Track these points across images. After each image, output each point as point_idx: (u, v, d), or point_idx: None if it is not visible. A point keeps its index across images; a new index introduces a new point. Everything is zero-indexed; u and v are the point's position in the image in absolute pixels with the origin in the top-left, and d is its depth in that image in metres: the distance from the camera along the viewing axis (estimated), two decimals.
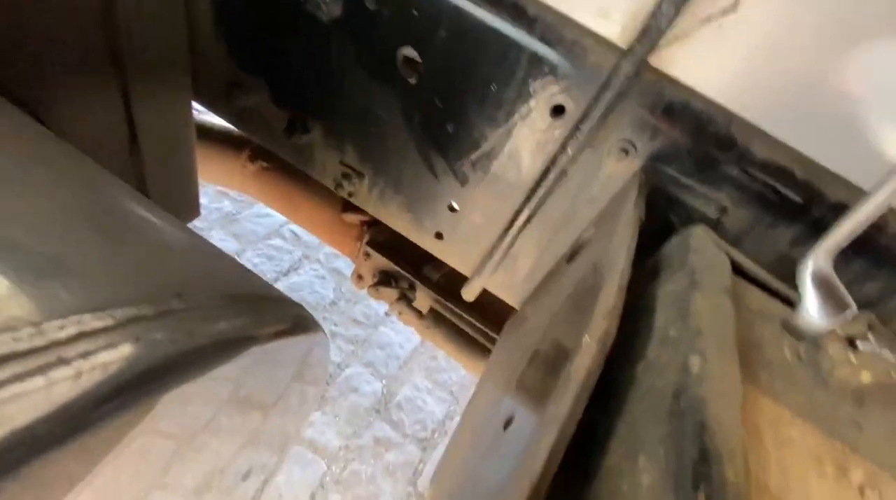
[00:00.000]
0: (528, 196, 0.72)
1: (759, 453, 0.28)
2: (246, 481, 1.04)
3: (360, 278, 1.31)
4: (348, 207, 1.30)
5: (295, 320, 0.78)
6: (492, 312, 1.15)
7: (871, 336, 0.35)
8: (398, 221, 0.90)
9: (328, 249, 2.75)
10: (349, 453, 1.96)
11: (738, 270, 0.45)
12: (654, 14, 0.52)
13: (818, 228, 0.59)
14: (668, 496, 0.24)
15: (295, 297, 2.57)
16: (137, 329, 0.30)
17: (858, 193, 0.56)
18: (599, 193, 0.68)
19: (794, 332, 0.36)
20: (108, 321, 0.29)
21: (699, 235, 0.45)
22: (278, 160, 1.34)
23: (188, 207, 1.13)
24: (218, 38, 0.84)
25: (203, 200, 2.95)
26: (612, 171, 0.65)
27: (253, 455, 1.04)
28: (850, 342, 0.34)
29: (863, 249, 0.57)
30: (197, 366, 0.40)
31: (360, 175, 0.86)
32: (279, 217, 2.80)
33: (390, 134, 0.79)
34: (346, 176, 0.87)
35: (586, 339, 0.37)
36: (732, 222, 0.62)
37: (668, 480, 0.25)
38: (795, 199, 0.59)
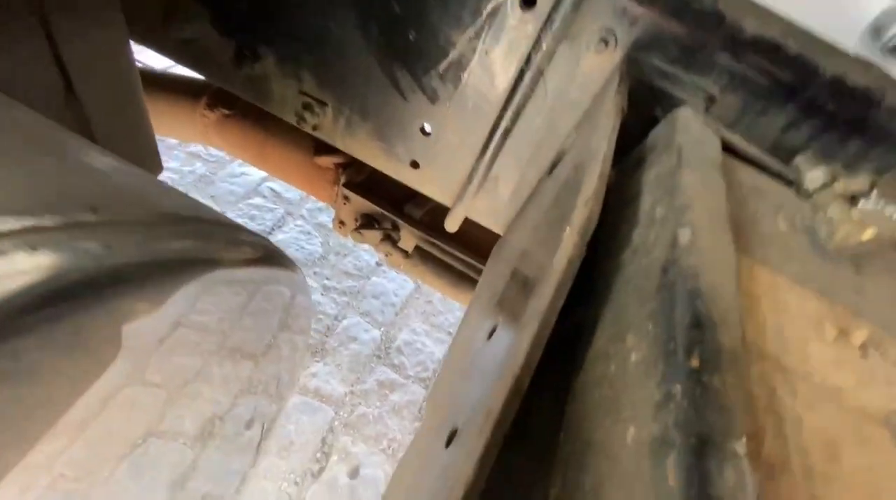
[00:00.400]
0: (503, 106, 0.67)
1: (756, 319, 0.26)
2: (250, 429, 1.06)
3: (341, 223, 1.27)
4: (321, 149, 1.23)
5: (265, 252, 0.75)
6: (478, 243, 1.13)
7: (874, 193, 0.32)
8: (370, 153, 0.85)
9: (311, 204, 2.68)
10: (355, 398, 2.01)
11: (728, 149, 0.41)
12: None
13: (812, 110, 0.55)
14: (658, 366, 0.22)
15: None
16: (36, 239, 0.26)
17: (855, 64, 0.52)
18: (580, 95, 0.63)
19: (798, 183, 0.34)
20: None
21: (685, 116, 0.41)
22: (240, 106, 1.25)
23: (146, 160, 1.06)
24: None
25: (174, 164, 2.81)
26: (592, 66, 0.60)
27: (252, 403, 1.05)
28: (853, 200, 0.32)
29: (858, 127, 0.54)
30: (131, 285, 0.36)
31: (323, 104, 0.80)
32: (256, 175, 2.70)
33: (348, 52, 0.71)
34: (307, 107, 0.81)
35: (567, 230, 0.34)
36: (721, 111, 0.57)
37: (659, 351, 0.23)
38: (787, 79, 0.54)
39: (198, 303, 0.91)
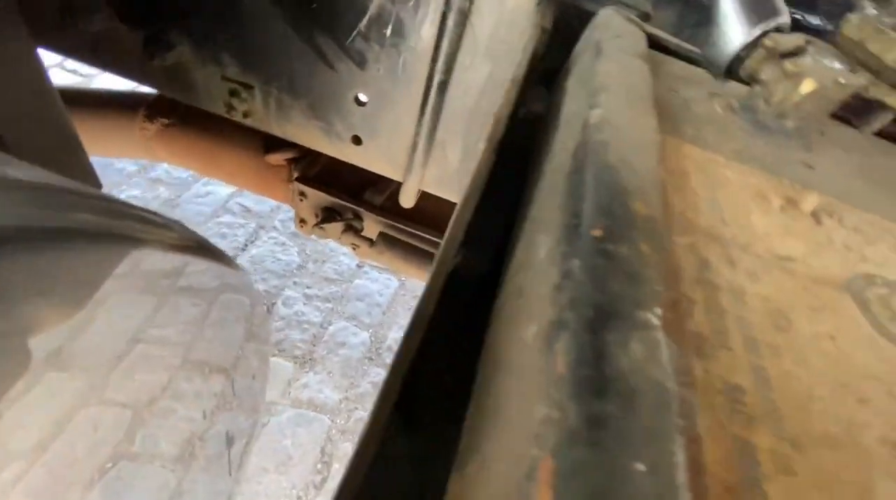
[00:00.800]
0: (433, 59, 0.62)
1: (685, 194, 0.22)
2: (231, 447, 1.01)
3: (302, 222, 1.22)
4: (270, 147, 1.18)
5: (197, 242, 0.71)
6: (444, 217, 1.09)
7: (810, 48, 0.28)
8: (309, 135, 0.80)
9: (283, 214, 2.61)
10: (350, 403, 1.96)
11: (659, 47, 0.38)
12: None
13: None
14: (561, 247, 0.18)
15: (260, 269, 2.45)
16: None
17: None
18: (511, 34, 0.59)
19: (713, 65, 0.30)
20: None
21: (606, 14, 0.37)
22: (179, 113, 1.19)
23: (79, 179, 1.00)
24: None
25: (136, 192, 2.74)
26: (517, 1, 0.56)
27: (229, 419, 1.00)
28: (788, 56, 0.28)
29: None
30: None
31: (249, 87, 0.75)
32: (223, 192, 2.63)
33: (263, 25, 0.67)
34: (233, 93, 0.76)
35: (481, 144, 0.30)
36: (658, 26, 0.54)
37: (563, 234, 0.19)
38: None
39: (156, 316, 0.86)
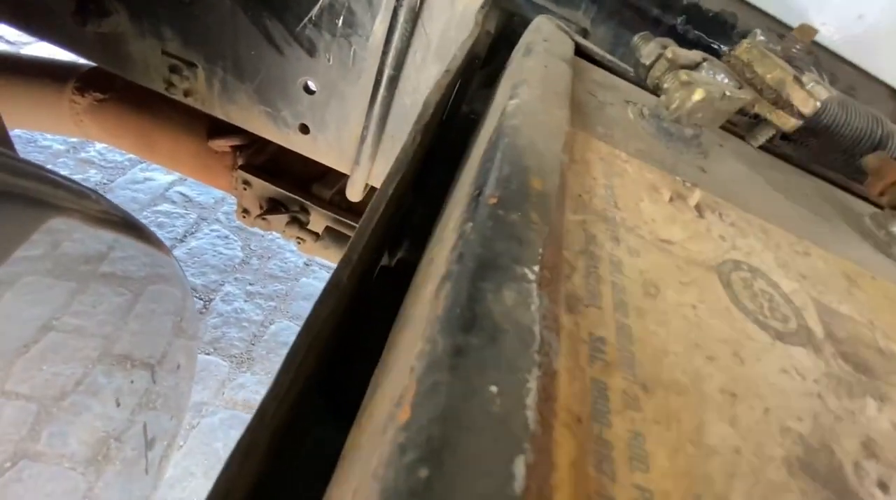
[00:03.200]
0: (384, 53, 0.63)
1: (585, 180, 0.24)
2: (151, 450, 0.94)
3: (245, 212, 1.18)
4: (214, 132, 1.13)
5: (123, 218, 0.67)
6: None
7: (704, 65, 0.32)
8: (255, 120, 0.78)
9: (228, 206, 2.50)
10: None
11: (587, 57, 0.41)
12: None
13: (680, 39, 0.57)
14: (463, 215, 0.19)
15: (198, 262, 2.33)
16: None
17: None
18: (460, 36, 0.61)
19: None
20: None
21: (540, 20, 0.40)
22: (116, 88, 1.12)
23: None
24: None
25: (63, 173, 2.53)
26: (466, 3, 0.58)
27: (152, 420, 0.93)
28: (685, 68, 0.32)
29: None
30: None
31: (191, 65, 0.72)
32: (162, 180, 2.48)
33: (210, 1, 0.65)
34: (173, 69, 0.72)
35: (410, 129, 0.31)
36: (595, 43, 0.58)
37: (467, 203, 0.20)
38: (651, 10, 0.56)
39: (73, 304, 0.79)
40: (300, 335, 0.22)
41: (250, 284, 2.25)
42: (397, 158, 0.27)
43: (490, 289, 0.15)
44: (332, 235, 1.09)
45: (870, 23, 0.51)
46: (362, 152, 0.75)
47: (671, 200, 0.25)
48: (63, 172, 2.09)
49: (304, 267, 2.41)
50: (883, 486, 0.17)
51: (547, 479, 0.11)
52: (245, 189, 1.13)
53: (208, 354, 1.93)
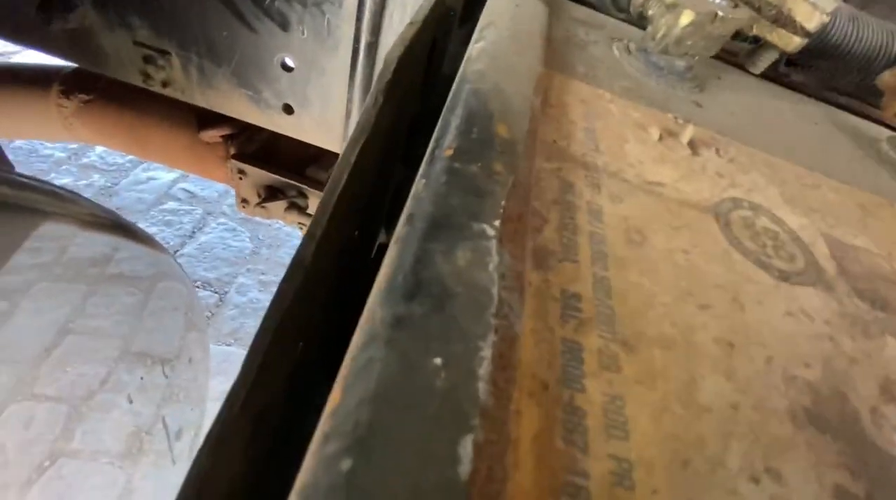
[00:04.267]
0: (358, 17, 0.60)
1: (561, 124, 0.22)
2: (179, 440, 0.98)
3: (244, 202, 1.17)
4: (204, 123, 1.11)
5: (113, 221, 0.67)
6: None
7: None
8: (237, 105, 0.75)
9: (231, 198, 2.50)
10: None
11: None
12: None
13: None
14: (421, 171, 0.17)
15: (210, 257, 2.35)
16: None
17: None
18: None
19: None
20: None
21: None
22: (101, 87, 1.10)
23: None
24: None
25: (67, 180, 2.55)
26: None
27: (176, 412, 0.96)
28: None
29: None
30: None
31: (165, 53, 0.69)
32: (165, 178, 2.49)
33: None
34: (148, 60, 0.70)
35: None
36: None
37: (426, 159, 0.18)
38: None
39: (87, 306, 0.80)
40: (263, 320, 0.20)
41: (262, 273, 2.28)
42: (358, 123, 0.25)
43: (440, 250, 0.13)
44: None
45: None
46: (349, 128, 0.72)
47: (661, 138, 0.23)
48: (67, 179, 2.11)
49: None
50: None
51: (502, 458, 0.10)
52: (241, 179, 1.12)
53: (229, 345, 1.98)
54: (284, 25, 0.64)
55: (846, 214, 0.24)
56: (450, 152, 0.16)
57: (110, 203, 2.29)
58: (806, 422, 0.14)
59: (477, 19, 0.46)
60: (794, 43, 0.30)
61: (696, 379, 0.14)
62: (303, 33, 0.64)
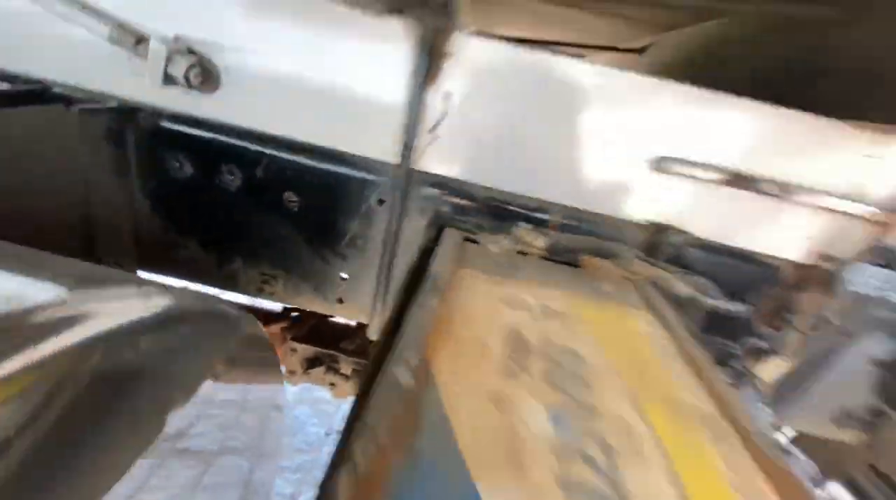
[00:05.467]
0: (383, 252, 1.21)
1: (456, 289, 0.74)
2: None
3: (292, 373, 1.61)
4: (266, 321, 1.64)
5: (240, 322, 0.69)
6: None
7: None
8: (309, 302, 1.31)
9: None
10: None
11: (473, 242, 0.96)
12: (406, 144, 1.11)
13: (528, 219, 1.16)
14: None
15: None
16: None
17: (527, 200, 1.16)
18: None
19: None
20: None
21: (448, 230, 0.96)
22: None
23: None
24: (152, 217, 1.25)
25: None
26: (419, 224, 1.18)
27: None
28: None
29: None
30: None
31: (275, 278, 1.28)
32: None
33: (290, 245, 1.24)
34: (265, 281, 1.28)
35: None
36: (482, 229, 1.17)
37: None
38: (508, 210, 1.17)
39: (151, 479, 0.91)
40: None
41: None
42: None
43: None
44: (357, 373, 1.52)
45: None
46: (376, 308, 1.27)
47: (501, 296, 0.77)
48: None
49: (325, 437, 2.64)
50: None
51: None
52: (292, 355, 1.59)
53: None
54: (345, 258, 1.25)
55: None
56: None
57: None
58: None
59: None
60: None
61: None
62: (356, 261, 1.24)
